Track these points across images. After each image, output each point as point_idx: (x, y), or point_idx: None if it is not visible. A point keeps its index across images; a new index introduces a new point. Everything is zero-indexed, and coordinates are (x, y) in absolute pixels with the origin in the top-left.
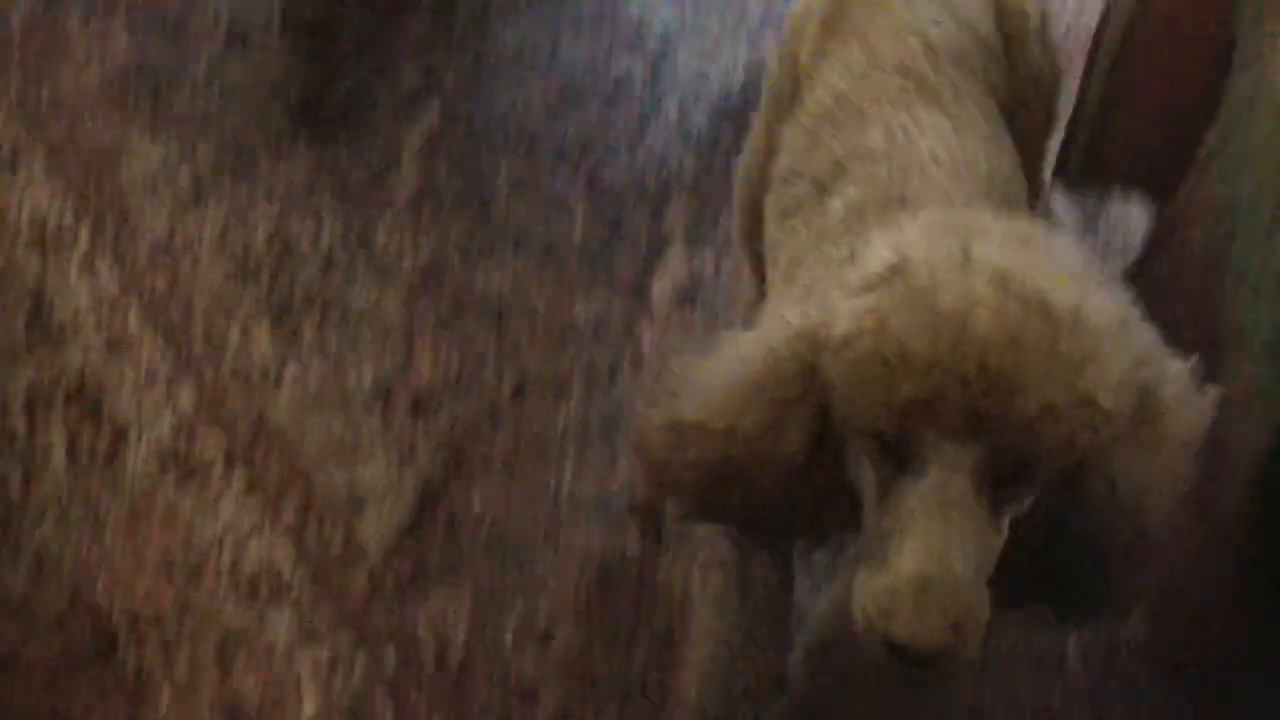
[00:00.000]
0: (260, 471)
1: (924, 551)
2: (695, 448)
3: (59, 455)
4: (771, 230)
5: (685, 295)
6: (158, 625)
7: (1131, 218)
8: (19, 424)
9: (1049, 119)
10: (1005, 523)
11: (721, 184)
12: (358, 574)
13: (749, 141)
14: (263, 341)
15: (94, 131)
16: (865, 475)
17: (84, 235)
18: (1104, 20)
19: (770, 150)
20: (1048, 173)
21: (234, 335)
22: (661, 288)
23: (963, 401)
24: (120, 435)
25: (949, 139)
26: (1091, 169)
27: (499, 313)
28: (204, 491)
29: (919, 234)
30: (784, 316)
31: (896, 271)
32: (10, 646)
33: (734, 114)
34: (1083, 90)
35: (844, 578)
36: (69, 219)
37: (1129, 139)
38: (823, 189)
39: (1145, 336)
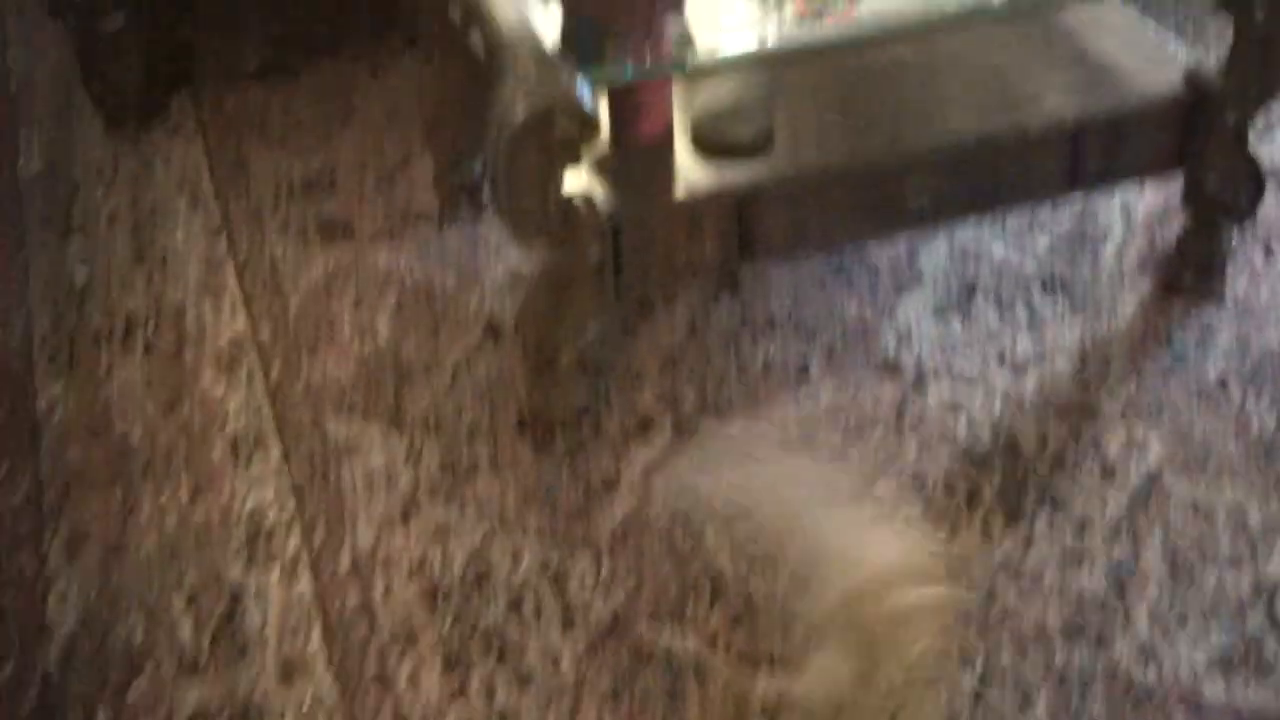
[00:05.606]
0: None
1: None
2: None
3: None
4: None
5: None
6: None
7: None
8: None
9: None
10: None
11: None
12: None
13: None
14: (429, 688)
15: (335, 426)
16: None
17: (293, 540)
18: None
19: None
20: None
21: (403, 675)
22: None
23: None
24: None
25: None
26: None
27: (675, 679)
28: None
29: None
30: None
31: None
32: None
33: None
34: None
35: None
36: (285, 518)
37: None
38: None
39: None
